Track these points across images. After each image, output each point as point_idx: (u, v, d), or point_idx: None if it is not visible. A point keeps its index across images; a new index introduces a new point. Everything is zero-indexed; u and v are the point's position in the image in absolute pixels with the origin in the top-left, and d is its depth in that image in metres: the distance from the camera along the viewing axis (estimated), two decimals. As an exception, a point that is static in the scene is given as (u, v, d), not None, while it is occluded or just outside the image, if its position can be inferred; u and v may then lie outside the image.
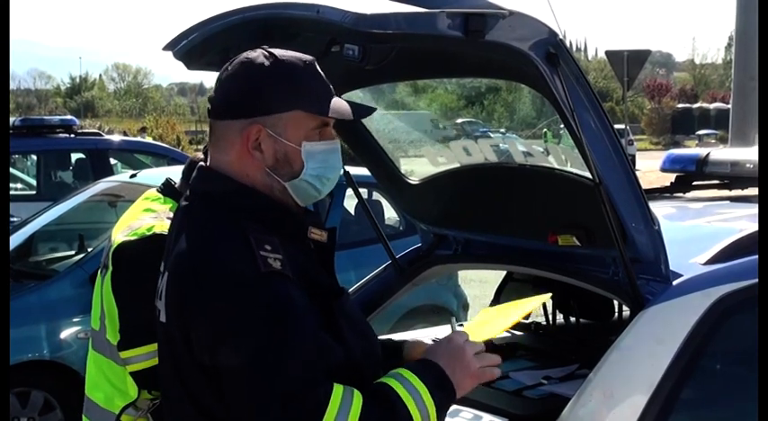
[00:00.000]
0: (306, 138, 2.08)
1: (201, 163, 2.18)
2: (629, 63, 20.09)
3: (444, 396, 2.06)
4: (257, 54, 2.08)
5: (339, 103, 2.11)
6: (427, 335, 3.29)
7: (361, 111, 2.21)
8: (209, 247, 1.99)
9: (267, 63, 2.06)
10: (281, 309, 1.92)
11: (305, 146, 2.08)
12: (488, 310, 2.76)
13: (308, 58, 2.11)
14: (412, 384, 2.01)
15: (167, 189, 3.19)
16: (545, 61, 2.23)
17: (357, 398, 1.94)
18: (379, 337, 2.38)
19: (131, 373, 2.89)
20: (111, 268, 3.00)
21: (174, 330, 2.03)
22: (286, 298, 1.93)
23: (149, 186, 3.32)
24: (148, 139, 25.25)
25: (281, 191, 2.10)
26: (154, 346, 2.68)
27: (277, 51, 2.09)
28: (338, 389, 1.92)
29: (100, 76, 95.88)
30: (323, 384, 1.92)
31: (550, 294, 2.63)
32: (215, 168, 2.12)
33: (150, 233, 2.94)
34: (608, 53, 22.19)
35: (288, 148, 2.07)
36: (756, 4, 11.28)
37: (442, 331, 3.36)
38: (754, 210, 3.28)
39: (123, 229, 3.05)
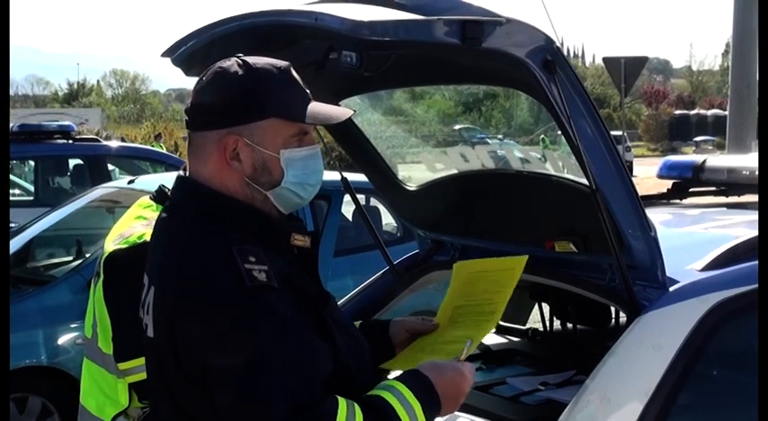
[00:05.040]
0: (284, 145, 2.06)
1: (180, 172, 2.17)
2: (626, 70, 20.17)
3: (433, 412, 2.07)
4: (231, 63, 2.07)
5: (316, 108, 2.09)
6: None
7: (341, 115, 2.18)
8: (193, 262, 1.98)
9: (240, 71, 2.04)
10: (270, 323, 1.91)
11: (283, 153, 2.06)
12: (464, 266, 2.76)
13: (282, 64, 2.09)
14: (407, 400, 2.02)
15: (160, 196, 3.17)
16: (542, 68, 2.24)
17: (359, 413, 1.94)
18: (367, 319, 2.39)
19: (131, 384, 2.88)
20: (102, 276, 2.99)
21: (162, 345, 2.02)
22: (274, 310, 1.93)
23: (147, 192, 3.31)
24: (162, 147, 25.39)
25: (262, 200, 2.08)
26: None
27: (251, 59, 2.07)
28: (342, 403, 1.93)
29: (98, 81, 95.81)
30: (327, 397, 1.93)
31: (526, 256, 2.62)
32: (194, 179, 2.10)
33: (141, 241, 2.91)
34: (605, 60, 22.27)
35: (266, 157, 2.05)
36: (753, 12, 11.33)
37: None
38: (750, 216, 3.29)
39: (115, 238, 3.04)
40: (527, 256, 2.62)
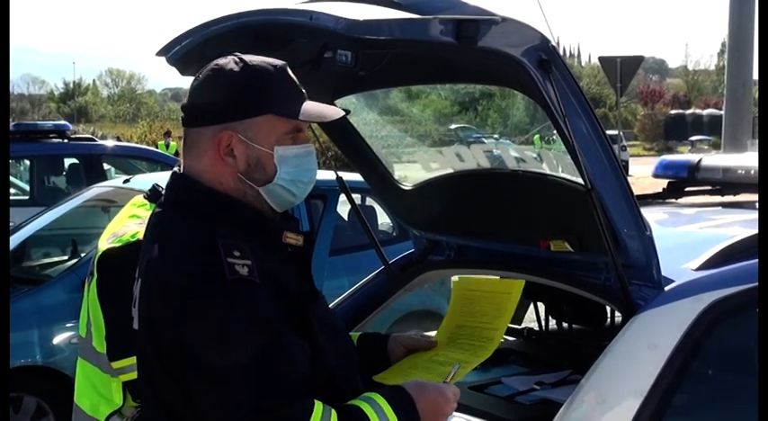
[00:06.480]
0: (278, 142, 2.07)
1: (175, 169, 2.18)
2: (622, 69, 20.16)
3: None
4: (228, 60, 2.09)
5: (311, 107, 2.11)
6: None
7: (335, 114, 2.18)
8: (176, 256, 1.99)
9: (237, 68, 2.06)
10: (247, 317, 1.91)
11: (277, 150, 2.07)
12: (462, 283, 2.76)
13: (279, 62, 2.11)
14: (385, 414, 2.02)
15: (154, 195, 3.17)
16: (537, 67, 2.24)
17: (334, 418, 1.94)
18: (367, 331, 2.39)
19: (125, 383, 2.88)
20: (96, 275, 2.99)
21: (145, 338, 2.03)
22: (252, 305, 1.93)
23: (142, 191, 3.31)
24: (176, 145, 25.49)
25: (254, 197, 2.09)
26: None
27: (248, 57, 2.09)
28: (318, 406, 1.93)
29: (93, 81, 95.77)
30: (302, 399, 1.92)
31: (523, 281, 2.65)
32: (188, 175, 2.11)
33: (134, 240, 2.91)
34: (601, 59, 22.25)
35: (260, 153, 2.06)
36: (749, 11, 11.35)
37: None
38: (745, 215, 3.30)
39: (108, 236, 3.04)
40: (524, 281, 2.65)
